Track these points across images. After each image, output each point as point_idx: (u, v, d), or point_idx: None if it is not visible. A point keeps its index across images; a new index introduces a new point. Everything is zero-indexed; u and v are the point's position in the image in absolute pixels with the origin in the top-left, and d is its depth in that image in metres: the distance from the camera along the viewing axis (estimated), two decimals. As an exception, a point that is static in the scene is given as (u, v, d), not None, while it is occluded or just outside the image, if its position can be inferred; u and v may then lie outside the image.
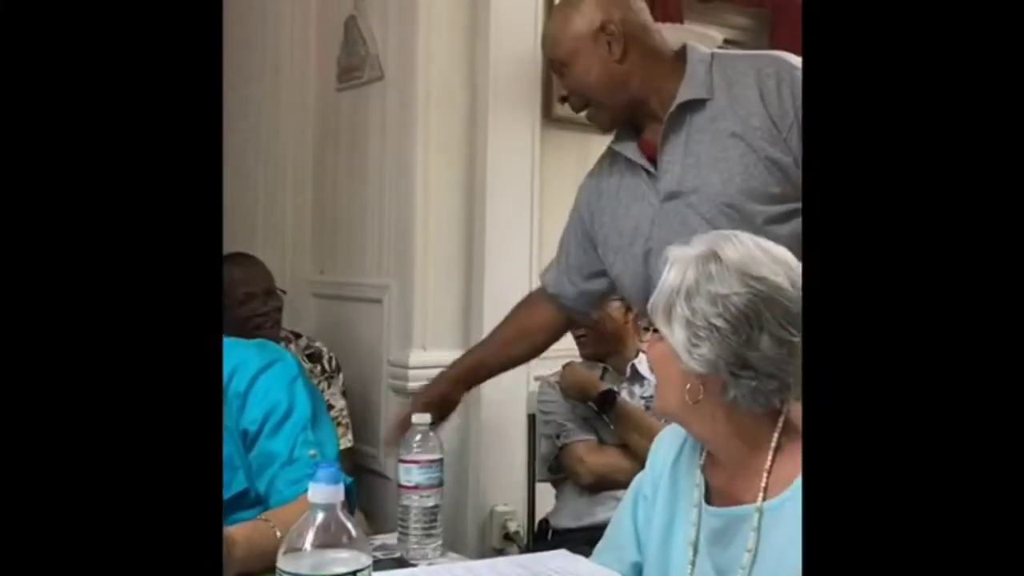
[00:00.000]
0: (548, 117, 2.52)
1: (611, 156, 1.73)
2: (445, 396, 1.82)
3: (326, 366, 2.49)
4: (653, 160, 1.62)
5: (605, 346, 2.29)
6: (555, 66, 1.70)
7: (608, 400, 2.17)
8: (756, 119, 1.53)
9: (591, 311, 1.95)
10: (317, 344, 2.53)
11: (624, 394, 2.26)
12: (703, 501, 1.14)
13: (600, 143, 1.80)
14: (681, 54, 1.63)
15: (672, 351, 1.08)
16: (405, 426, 1.59)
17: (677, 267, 1.09)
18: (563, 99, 1.74)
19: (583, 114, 1.71)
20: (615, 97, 1.63)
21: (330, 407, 2.39)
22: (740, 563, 1.07)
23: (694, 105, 1.57)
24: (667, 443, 1.24)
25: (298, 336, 2.52)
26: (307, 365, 2.43)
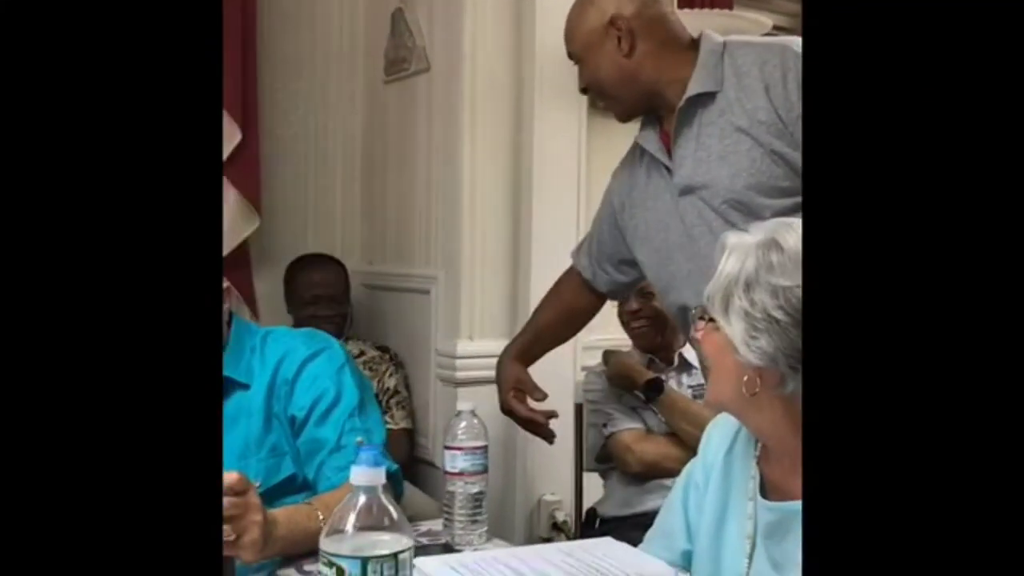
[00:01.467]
0: (595, 106, 2.50)
1: (637, 147, 1.73)
2: (519, 379, 1.88)
3: (394, 355, 2.59)
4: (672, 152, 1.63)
5: (662, 337, 2.28)
6: (572, 59, 1.72)
7: (655, 388, 2.16)
8: (762, 113, 1.51)
9: (620, 297, 2.00)
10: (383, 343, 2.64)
11: (672, 383, 2.24)
12: (759, 494, 1.12)
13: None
14: (697, 44, 1.62)
15: (728, 342, 1.05)
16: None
17: (736, 255, 1.05)
18: (583, 91, 1.76)
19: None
20: (626, 91, 1.64)
21: (396, 392, 2.50)
22: (795, 560, 1.04)
23: (704, 98, 1.56)
24: (720, 432, 1.22)
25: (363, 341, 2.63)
26: (375, 352, 2.55)
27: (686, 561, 1.21)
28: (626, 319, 2.28)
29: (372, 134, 2.84)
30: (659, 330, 2.27)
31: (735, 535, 1.13)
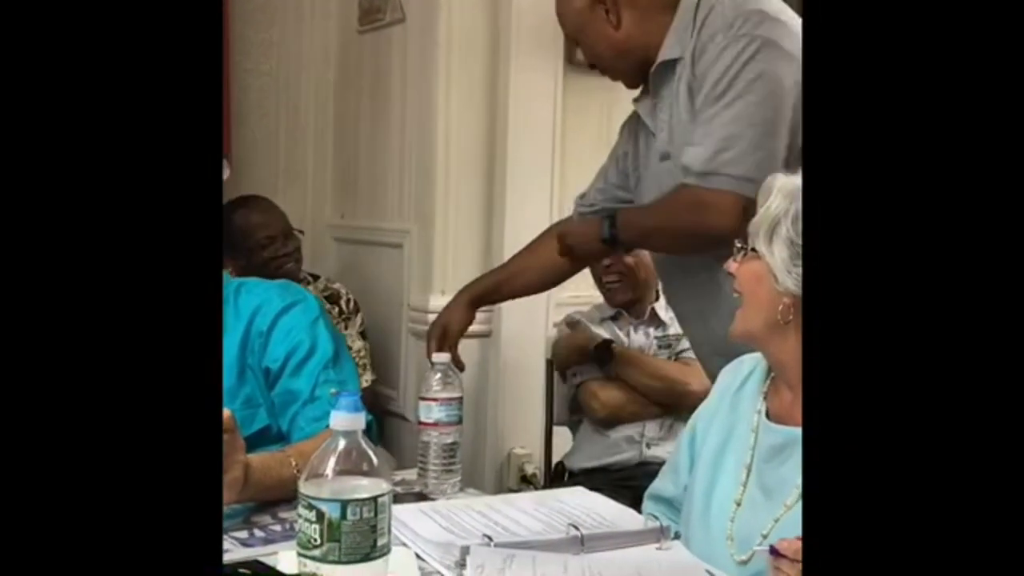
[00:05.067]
0: (571, 61, 2.50)
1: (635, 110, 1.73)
2: (458, 316, 1.83)
3: (344, 307, 2.53)
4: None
5: (637, 292, 2.32)
6: (570, 40, 1.74)
7: (605, 353, 2.25)
8: (703, 85, 1.50)
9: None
10: (336, 286, 2.56)
11: (640, 335, 2.33)
12: (764, 419, 1.18)
13: (623, 88, 1.78)
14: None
15: (768, 271, 1.12)
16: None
17: (783, 195, 1.12)
18: (591, 66, 1.75)
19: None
20: (623, 62, 1.64)
21: (348, 347, 2.43)
22: (789, 483, 1.10)
23: (673, 64, 1.56)
24: (731, 374, 1.29)
25: (316, 278, 2.55)
26: (325, 306, 2.45)
27: None
28: (599, 274, 2.31)
29: (345, 85, 2.81)
30: (631, 286, 2.30)
31: (733, 463, 1.19)
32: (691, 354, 2.17)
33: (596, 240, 1.65)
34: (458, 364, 1.80)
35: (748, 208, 1.46)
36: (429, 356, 1.72)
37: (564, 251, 1.74)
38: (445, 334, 1.80)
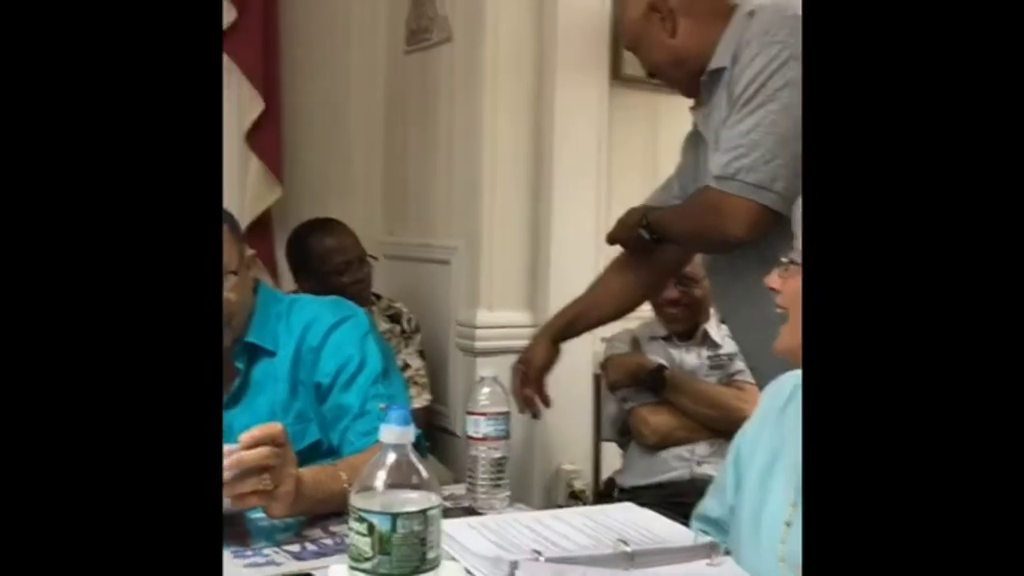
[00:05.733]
0: (617, 76, 2.50)
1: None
2: (541, 353, 1.86)
3: (405, 326, 2.53)
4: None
5: (696, 316, 2.30)
6: (629, 51, 1.73)
7: (658, 378, 2.23)
8: (735, 91, 1.50)
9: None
10: (397, 305, 2.56)
11: (692, 356, 2.30)
12: None
13: (669, 102, 1.78)
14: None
15: None
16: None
17: None
18: (649, 75, 1.76)
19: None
20: (680, 71, 1.63)
21: (407, 367, 2.44)
22: None
23: (719, 72, 1.55)
24: (774, 392, 1.26)
25: (379, 297, 2.56)
26: (386, 326, 2.48)
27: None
28: (661, 303, 2.28)
29: (393, 104, 2.85)
30: (692, 314, 2.29)
31: (782, 483, 1.16)
32: (744, 376, 2.16)
33: (634, 229, 1.73)
34: (545, 401, 1.85)
35: (765, 215, 1.46)
36: (514, 393, 1.81)
37: (610, 239, 1.83)
38: (528, 371, 1.84)
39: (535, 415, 1.89)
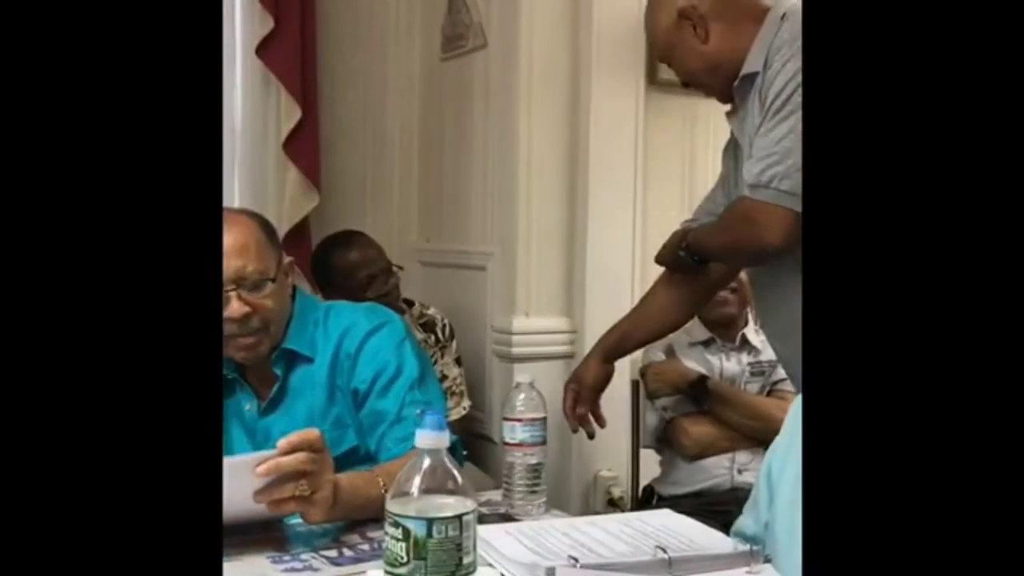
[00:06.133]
0: (652, 81, 2.49)
1: None
2: (593, 372, 1.86)
3: (439, 335, 2.50)
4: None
5: (740, 310, 2.28)
6: (661, 61, 1.73)
7: (701, 389, 2.21)
8: (767, 98, 1.48)
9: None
10: (431, 312, 2.53)
11: (732, 362, 2.28)
12: None
13: (706, 107, 1.77)
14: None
15: None
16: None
17: None
18: (684, 84, 1.75)
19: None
20: (713, 77, 1.62)
21: (444, 377, 2.41)
22: None
23: (752, 77, 1.53)
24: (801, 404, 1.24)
25: (411, 304, 2.53)
26: (420, 335, 2.45)
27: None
28: (715, 303, 2.23)
29: (429, 111, 2.86)
30: (743, 305, 2.27)
31: None
32: (787, 385, 2.13)
33: (675, 251, 1.74)
34: (599, 420, 1.84)
35: (799, 223, 1.44)
36: (565, 412, 1.82)
37: (657, 260, 1.84)
38: (581, 390, 1.84)
39: (590, 435, 1.89)
